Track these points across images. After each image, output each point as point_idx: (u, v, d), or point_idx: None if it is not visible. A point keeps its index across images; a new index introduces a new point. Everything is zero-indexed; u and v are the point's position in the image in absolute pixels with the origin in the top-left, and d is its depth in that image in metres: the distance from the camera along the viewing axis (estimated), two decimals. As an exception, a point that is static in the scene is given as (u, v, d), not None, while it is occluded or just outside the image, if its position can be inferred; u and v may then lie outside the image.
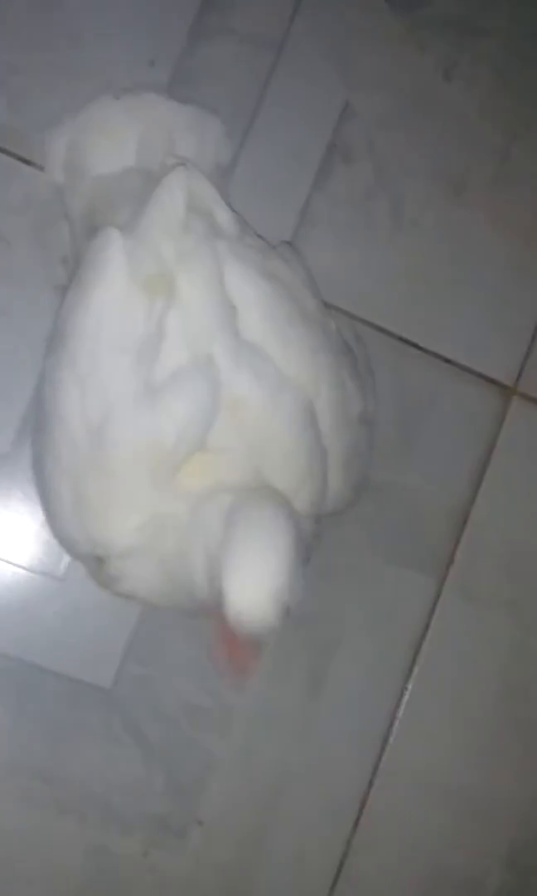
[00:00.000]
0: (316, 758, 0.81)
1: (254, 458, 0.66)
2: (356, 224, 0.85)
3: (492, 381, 0.87)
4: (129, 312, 0.64)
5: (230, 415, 0.65)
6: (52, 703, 0.77)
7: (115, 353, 0.64)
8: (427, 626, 0.84)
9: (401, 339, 0.85)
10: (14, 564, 0.77)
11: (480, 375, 0.86)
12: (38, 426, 0.70)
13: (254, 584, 0.57)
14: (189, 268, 0.65)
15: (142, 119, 0.75)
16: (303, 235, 0.83)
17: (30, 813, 0.76)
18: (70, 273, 0.74)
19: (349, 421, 0.70)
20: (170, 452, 0.64)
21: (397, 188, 0.86)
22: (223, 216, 0.69)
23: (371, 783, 0.82)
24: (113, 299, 0.65)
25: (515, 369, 0.87)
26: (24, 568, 0.77)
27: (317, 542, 0.70)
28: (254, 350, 0.66)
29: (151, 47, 0.81)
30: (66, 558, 0.76)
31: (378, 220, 0.85)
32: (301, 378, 0.67)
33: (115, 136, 0.74)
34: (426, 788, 0.84)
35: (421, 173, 0.86)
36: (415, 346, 0.85)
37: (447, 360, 0.86)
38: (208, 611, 0.60)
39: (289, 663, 0.81)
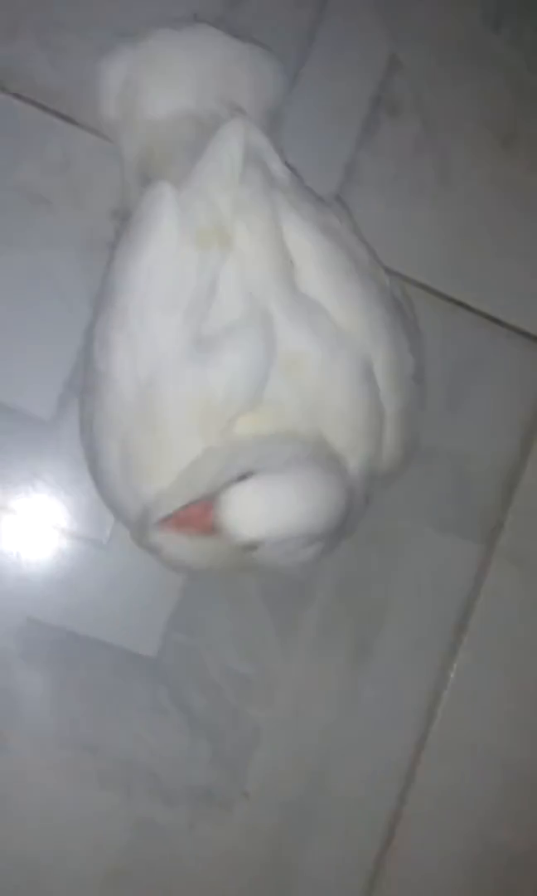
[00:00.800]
0: (362, 728, 0.80)
1: (311, 414, 0.65)
2: (402, 179, 0.83)
3: None
4: (181, 267, 0.63)
5: (287, 370, 0.64)
6: (96, 673, 0.76)
7: (165, 309, 0.63)
8: (476, 594, 0.82)
9: (448, 298, 0.83)
10: (58, 530, 0.76)
11: (530, 336, 0.84)
12: (86, 387, 0.69)
13: (260, 505, 0.57)
14: (246, 219, 0.64)
15: (200, 54, 0.73)
16: (348, 191, 0.81)
17: (75, 785, 0.76)
18: (119, 227, 0.73)
19: (404, 379, 0.69)
20: (220, 407, 0.63)
21: (445, 142, 0.84)
22: (278, 167, 0.68)
23: (418, 755, 0.81)
24: (164, 254, 0.64)
25: None
26: (68, 534, 0.76)
27: (367, 504, 0.69)
28: (312, 304, 0.65)
29: (193, 1, 0.79)
30: (111, 525, 0.76)
31: (425, 176, 0.83)
32: (358, 334, 0.66)
33: (172, 72, 0.72)
34: (475, 761, 0.82)
35: (470, 126, 0.84)
36: (464, 305, 0.83)
37: (496, 321, 0.84)
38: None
39: (335, 631, 0.80)
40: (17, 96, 0.76)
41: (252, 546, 0.58)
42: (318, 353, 0.64)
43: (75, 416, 0.73)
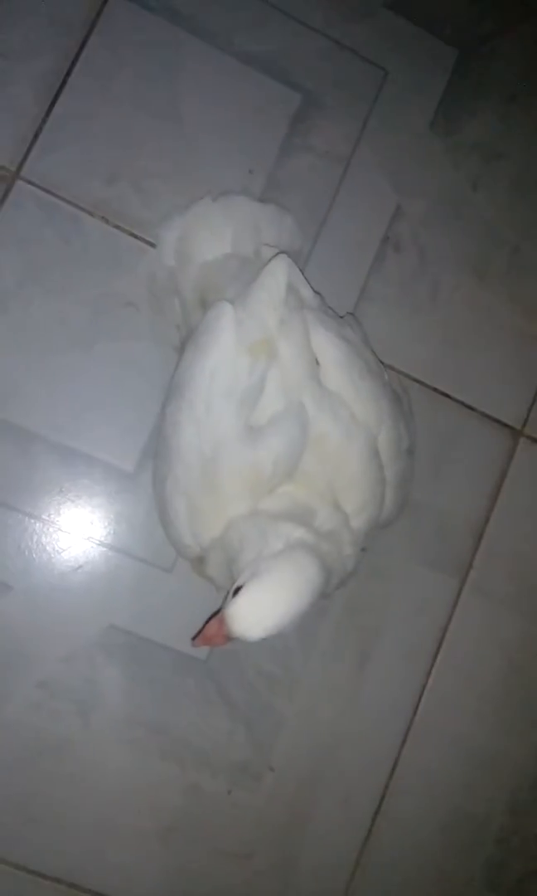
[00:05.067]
0: (362, 718, 0.89)
1: (332, 482, 0.73)
2: (403, 300, 0.93)
3: (504, 425, 0.95)
4: (236, 369, 0.71)
5: (314, 448, 0.72)
6: (160, 670, 0.85)
7: (224, 401, 0.71)
8: (450, 617, 0.91)
9: (434, 389, 0.93)
10: (135, 559, 0.85)
11: (495, 420, 0.95)
12: (158, 456, 0.77)
13: (255, 614, 0.64)
14: (286, 333, 0.73)
15: (234, 216, 0.83)
16: (362, 308, 0.92)
17: (140, 757, 0.84)
18: (182, 337, 0.82)
19: (401, 453, 0.78)
20: (267, 478, 0.72)
21: (435, 273, 0.94)
22: (306, 292, 0.77)
23: (404, 741, 0.90)
24: (224, 358, 0.72)
25: (523, 415, 0.96)
26: (142, 562, 0.85)
27: (365, 553, 0.78)
28: (333, 397, 0.73)
29: (250, 159, 0.91)
30: (174, 554, 0.84)
31: (420, 297, 0.94)
32: (368, 419, 0.75)
33: (214, 230, 0.82)
34: (447, 746, 0.91)
35: (454, 262, 0.95)
36: (446, 395, 0.93)
37: (470, 407, 0.94)
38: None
39: (343, 643, 0.89)
40: (117, 227, 0.87)
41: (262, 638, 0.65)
42: (338, 434, 0.72)
43: (149, 474, 0.82)
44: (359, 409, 0.74)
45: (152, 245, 0.87)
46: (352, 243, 0.94)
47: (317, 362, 0.74)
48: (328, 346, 0.75)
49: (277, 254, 0.77)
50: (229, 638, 0.65)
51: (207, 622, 0.67)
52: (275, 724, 0.88)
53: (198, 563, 0.77)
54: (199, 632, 0.67)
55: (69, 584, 0.85)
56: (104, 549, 0.86)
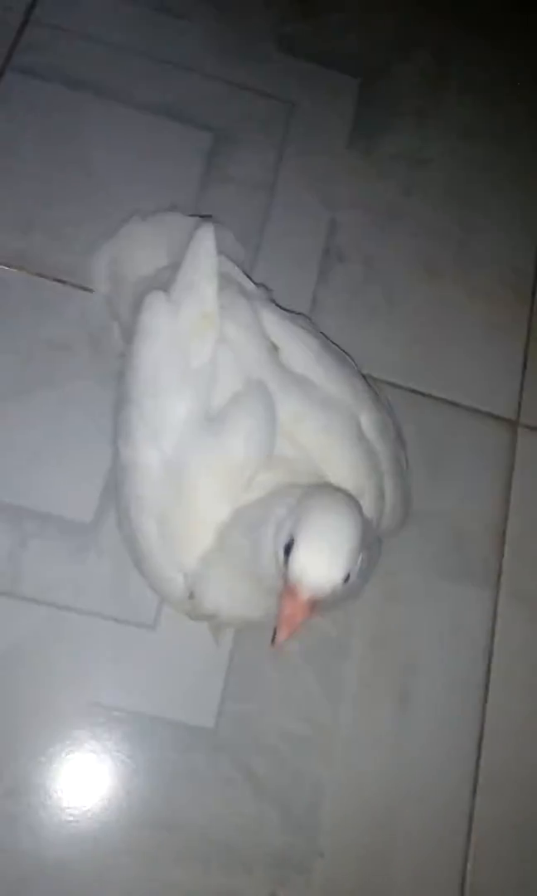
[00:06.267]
0: (417, 771, 0.74)
1: (317, 466, 0.64)
2: (357, 307, 0.88)
3: (498, 417, 0.87)
4: (182, 353, 0.64)
5: (289, 433, 0.64)
6: (161, 750, 0.71)
7: (176, 392, 0.64)
8: (493, 633, 0.79)
9: (414, 391, 0.86)
10: (109, 619, 0.73)
11: (487, 413, 0.87)
12: (118, 482, 0.68)
13: (323, 556, 0.54)
14: (231, 315, 0.66)
15: (168, 229, 0.78)
16: (316, 321, 0.84)
17: (154, 865, 0.68)
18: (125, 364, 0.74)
19: (390, 436, 0.70)
20: (240, 466, 0.62)
21: (385, 276, 0.90)
22: (249, 285, 0.71)
23: (474, 789, 0.74)
24: (166, 344, 0.65)
25: (514, 405, 0.88)
26: (118, 622, 0.73)
27: (378, 558, 0.67)
28: (299, 377, 0.66)
29: (171, 196, 0.87)
30: (155, 607, 0.73)
31: (375, 301, 0.89)
32: (344, 397, 0.67)
33: (147, 246, 0.77)
34: (528, 786, 0.75)
35: (402, 264, 0.91)
36: (428, 395, 0.86)
37: (456, 404, 0.87)
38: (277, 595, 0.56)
39: (374, 683, 0.76)
40: (40, 275, 0.82)
41: (341, 582, 0.55)
42: (315, 414, 0.65)
43: (112, 518, 0.73)
44: (331, 388, 0.67)
45: (78, 287, 0.83)
46: (293, 260, 0.90)
47: (275, 345, 0.67)
48: (281, 327, 0.68)
49: (201, 223, 0.70)
50: (311, 605, 0.55)
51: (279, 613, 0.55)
52: (313, 795, 0.72)
53: (190, 601, 0.65)
54: (274, 632, 0.56)
55: (35, 662, 0.72)
56: (71, 614, 0.74)
